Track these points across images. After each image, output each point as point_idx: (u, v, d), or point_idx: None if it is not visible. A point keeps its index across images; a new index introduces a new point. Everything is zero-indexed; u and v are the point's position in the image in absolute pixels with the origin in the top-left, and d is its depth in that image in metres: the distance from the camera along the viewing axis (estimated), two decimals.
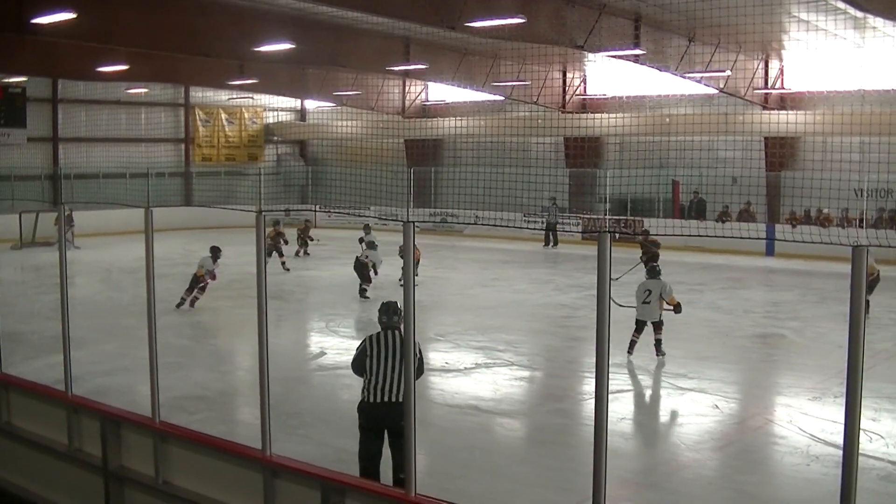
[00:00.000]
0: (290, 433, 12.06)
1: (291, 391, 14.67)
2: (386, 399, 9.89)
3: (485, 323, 21.15)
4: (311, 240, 33.03)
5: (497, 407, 14.36)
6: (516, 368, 16.79)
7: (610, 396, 13.68)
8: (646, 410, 13.82)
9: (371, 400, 9.98)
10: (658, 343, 17.32)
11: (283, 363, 15.66)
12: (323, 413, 13.40)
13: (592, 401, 7.32)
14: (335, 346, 18.73)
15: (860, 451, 11.19)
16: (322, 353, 18.23)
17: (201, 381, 15.59)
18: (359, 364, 10.17)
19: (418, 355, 9.47)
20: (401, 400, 9.60)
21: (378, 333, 10.23)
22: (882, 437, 12.30)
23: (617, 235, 36.40)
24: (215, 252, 22.71)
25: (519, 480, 11.02)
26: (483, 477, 11.06)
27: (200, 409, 13.71)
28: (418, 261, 24.76)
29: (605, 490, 7.10)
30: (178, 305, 22.36)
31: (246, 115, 51.87)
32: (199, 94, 49.63)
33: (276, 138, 53.90)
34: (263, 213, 9.65)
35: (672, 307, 17.20)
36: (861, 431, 11.96)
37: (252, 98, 50.69)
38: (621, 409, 13.64)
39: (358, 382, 10.51)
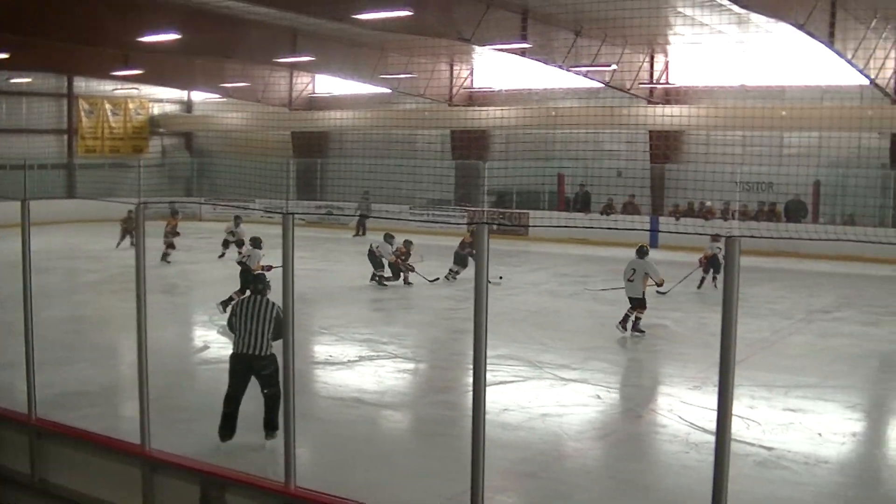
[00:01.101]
0: (173, 427, 11.90)
1: (175, 385, 14.50)
2: (247, 351, 11.45)
3: (369, 315, 21.16)
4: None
5: (381, 399, 14.35)
6: (400, 361, 16.81)
7: (493, 388, 13.79)
8: (529, 401, 13.87)
9: (236, 351, 11.64)
10: (636, 321, 19.10)
11: (167, 357, 15.49)
12: (206, 406, 13.21)
13: None
14: (218, 339, 18.51)
15: (737, 438, 11.45)
16: (206, 347, 18.05)
17: (84, 377, 15.28)
18: (230, 323, 11.92)
19: (274, 314, 11.43)
20: (260, 352, 11.40)
21: (245, 298, 11.98)
22: (759, 423, 12.51)
23: (495, 227, 36.65)
24: (256, 242, 21.79)
25: (402, 471, 11.02)
26: (365, 468, 11.03)
27: (82, 405, 13.43)
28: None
29: (483, 479, 7.13)
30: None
31: (131, 106, 51.10)
32: (82, 85, 48.75)
33: (161, 130, 53.16)
34: (143, 205, 9.56)
35: (657, 284, 19.84)
36: (738, 419, 12.23)
37: (137, 89, 49.96)
38: (504, 399, 13.68)
39: None
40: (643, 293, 19.11)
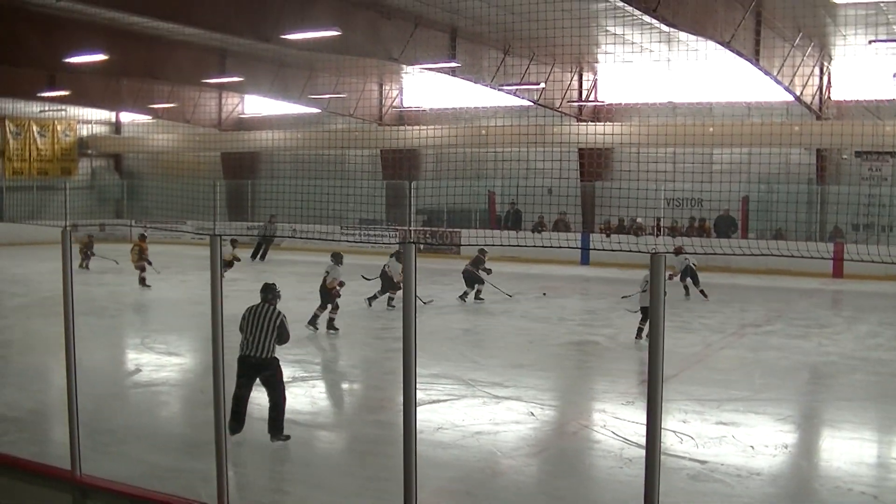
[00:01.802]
0: (104, 452, 11.73)
1: (106, 409, 14.28)
2: (251, 353, 12.37)
3: (301, 336, 20.99)
4: (92, 255, 32.85)
5: (314, 420, 14.26)
6: (333, 381, 16.73)
7: (427, 406, 13.76)
8: (462, 419, 13.84)
9: (242, 353, 12.43)
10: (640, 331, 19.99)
11: (98, 380, 15.29)
12: (138, 430, 13.10)
13: None
14: (151, 362, 18.29)
15: (670, 453, 11.49)
16: (138, 370, 17.83)
17: (11, 402, 15.03)
18: (241, 327, 12.63)
19: (278, 322, 12.68)
20: (263, 356, 12.42)
21: (256, 305, 12.82)
22: (692, 437, 12.55)
23: (422, 246, 36.66)
24: (338, 258, 21.97)
25: (336, 492, 10.94)
26: (299, 490, 10.95)
27: (9, 430, 13.21)
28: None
29: (416, 498, 7.08)
30: (313, 324, 21.14)
31: (59, 127, 50.62)
32: (8, 106, 48.09)
33: (90, 151, 52.68)
34: (72, 228, 9.45)
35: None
36: (671, 433, 12.27)
37: (65, 110, 49.46)
38: (438, 418, 13.64)
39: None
40: None
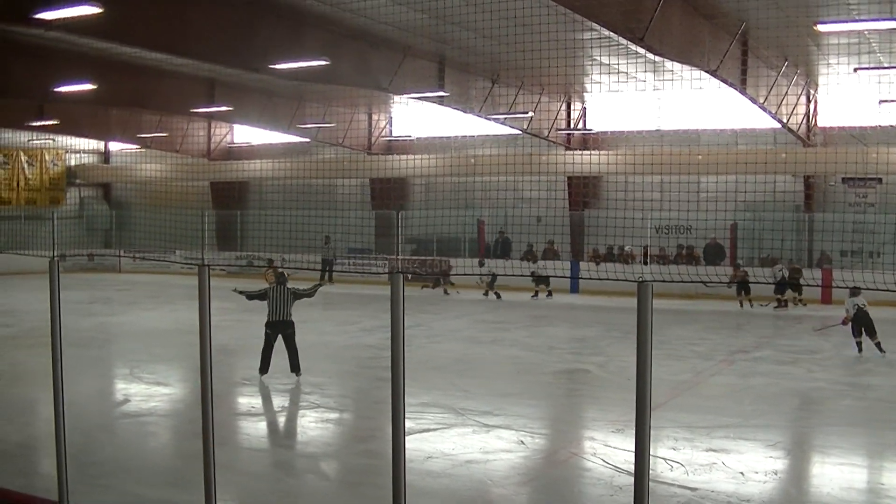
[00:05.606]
0: (91, 484, 11.67)
1: (93, 440, 14.20)
2: (278, 319, 18.81)
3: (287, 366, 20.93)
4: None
5: (304, 450, 14.21)
6: (323, 410, 16.65)
7: (417, 436, 13.72)
8: (452, 448, 13.79)
9: (271, 319, 18.82)
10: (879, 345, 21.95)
11: (85, 412, 15.22)
12: (126, 461, 13.01)
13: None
14: (139, 392, 18.19)
15: (661, 480, 11.46)
16: (126, 401, 17.74)
17: None
18: (262, 296, 19.29)
19: (289, 295, 19.10)
20: (286, 319, 18.87)
21: (274, 286, 19.14)
22: (682, 465, 12.53)
23: (409, 276, 36.65)
24: None
25: None
26: None
27: None
28: None
29: None
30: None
31: (47, 157, 50.59)
32: None
33: (78, 181, 52.62)
34: (59, 258, 9.43)
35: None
36: (662, 460, 12.24)
37: (53, 140, 49.42)
38: (428, 447, 13.60)
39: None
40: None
